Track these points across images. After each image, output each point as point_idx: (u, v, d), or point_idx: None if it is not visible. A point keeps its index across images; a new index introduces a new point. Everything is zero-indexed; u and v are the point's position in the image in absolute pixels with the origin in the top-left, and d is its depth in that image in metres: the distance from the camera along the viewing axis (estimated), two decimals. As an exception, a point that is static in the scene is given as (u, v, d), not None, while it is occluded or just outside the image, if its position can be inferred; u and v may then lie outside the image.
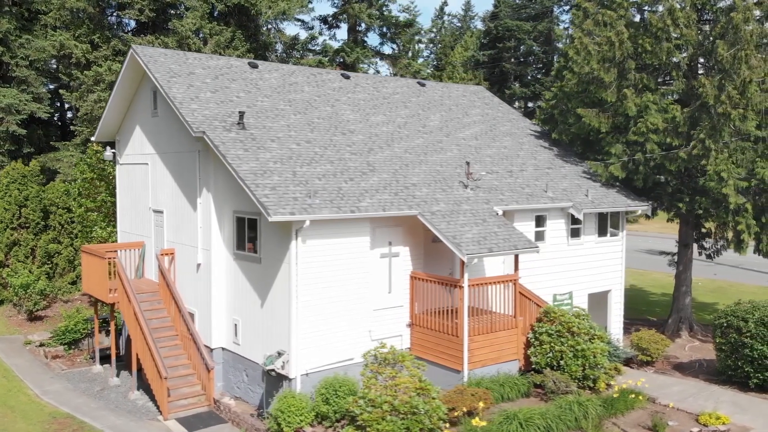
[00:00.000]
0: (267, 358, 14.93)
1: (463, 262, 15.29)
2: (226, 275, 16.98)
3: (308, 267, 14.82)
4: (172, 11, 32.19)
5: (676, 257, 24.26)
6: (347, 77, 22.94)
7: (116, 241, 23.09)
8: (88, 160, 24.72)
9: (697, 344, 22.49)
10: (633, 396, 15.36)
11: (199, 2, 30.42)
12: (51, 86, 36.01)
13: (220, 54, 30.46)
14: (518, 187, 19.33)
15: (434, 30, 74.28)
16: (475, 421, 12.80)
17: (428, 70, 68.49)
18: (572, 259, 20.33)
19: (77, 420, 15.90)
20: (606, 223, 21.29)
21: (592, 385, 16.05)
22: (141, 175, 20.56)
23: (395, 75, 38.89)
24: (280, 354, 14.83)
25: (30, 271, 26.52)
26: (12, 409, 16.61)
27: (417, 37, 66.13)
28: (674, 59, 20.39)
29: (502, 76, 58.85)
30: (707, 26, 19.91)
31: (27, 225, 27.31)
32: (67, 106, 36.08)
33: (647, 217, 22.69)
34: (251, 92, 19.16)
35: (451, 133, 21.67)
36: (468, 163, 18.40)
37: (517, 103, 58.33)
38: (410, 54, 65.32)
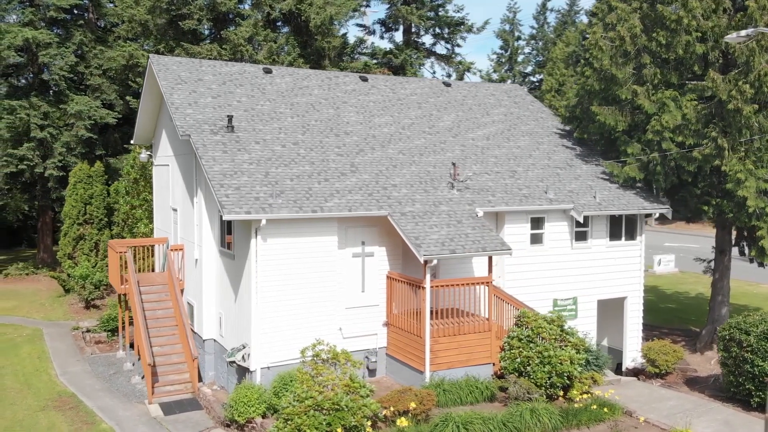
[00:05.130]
0: (231, 350, 15.66)
1: (425, 263, 15.29)
2: (215, 270, 17.90)
3: (268, 264, 15.37)
4: (238, 19, 33.92)
5: (712, 264, 22.66)
6: (365, 79, 23.28)
7: (153, 236, 24.80)
8: (131, 161, 26.76)
9: (727, 358, 20.85)
10: (596, 407, 14.67)
11: (254, 11, 31.86)
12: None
13: (274, 61, 31.70)
14: (515, 188, 18.88)
15: (535, 27, 72.77)
16: (400, 422, 12.83)
17: (530, 69, 67.10)
18: (577, 264, 19.56)
19: (77, 399, 17.38)
20: (620, 227, 20.29)
21: (560, 393, 15.48)
22: (165, 175, 22.01)
23: (449, 75, 38.72)
24: (243, 347, 15.51)
25: (93, 265, 28.97)
26: (29, 387, 18.42)
27: (516, 34, 65.51)
28: (697, 53, 19.06)
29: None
30: (726, 17, 18.45)
31: (91, 221, 29.87)
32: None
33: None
34: (254, 96, 19.99)
35: (461, 134, 21.47)
36: (454, 164, 18.24)
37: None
38: (509, 52, 64.70)
